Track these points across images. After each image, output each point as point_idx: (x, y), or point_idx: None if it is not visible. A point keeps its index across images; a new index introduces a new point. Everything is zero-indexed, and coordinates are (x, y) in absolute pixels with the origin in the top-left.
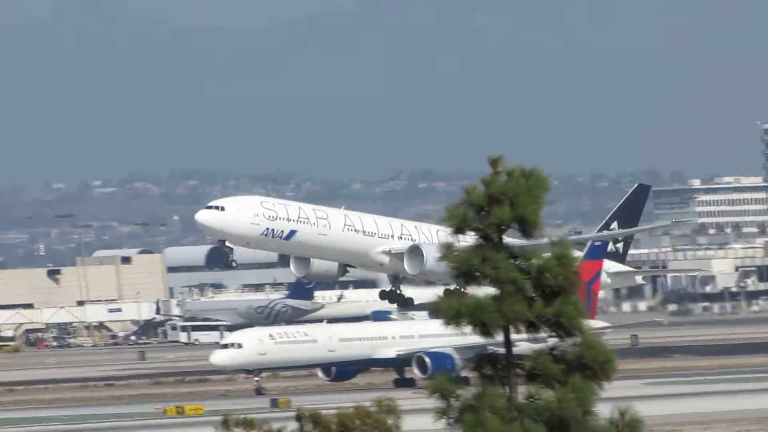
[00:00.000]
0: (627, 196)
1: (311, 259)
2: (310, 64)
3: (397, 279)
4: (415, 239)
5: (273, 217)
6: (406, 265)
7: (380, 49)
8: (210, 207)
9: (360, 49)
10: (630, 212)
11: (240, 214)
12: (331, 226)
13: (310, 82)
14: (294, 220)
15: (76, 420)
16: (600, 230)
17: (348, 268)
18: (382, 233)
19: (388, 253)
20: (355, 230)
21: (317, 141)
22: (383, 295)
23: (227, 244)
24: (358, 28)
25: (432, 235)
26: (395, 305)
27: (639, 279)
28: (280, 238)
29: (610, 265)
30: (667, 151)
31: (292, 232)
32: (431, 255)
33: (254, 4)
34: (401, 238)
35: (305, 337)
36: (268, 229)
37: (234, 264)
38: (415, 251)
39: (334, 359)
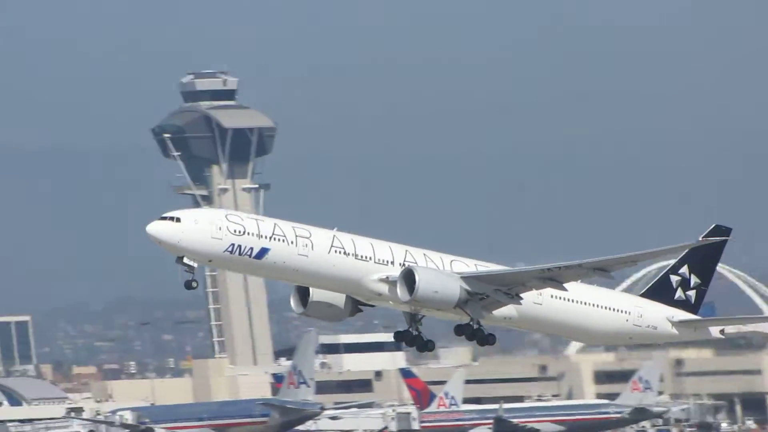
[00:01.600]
0: (703, 237)
1: (311, 290)
2: None
3: (414, 318)
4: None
5: (240, 231)
6: (398, 291)
7: None
8: (164, 218)
9: None
10: (706, 257)
11: (199, 226)
12: (314, 246)
13: None
14: (267, 237)
15: None
16: (667, 273)
17: (360, 307)
18: (379, 258)
19: (386, 281)
20: (345, 253)
21: None
22: (399, 336)
23: (185, 261)
24: None
25: (443, 266)
26: (414, 348)
27: (716, 332)
28: (249, 256)
29: (674, 314)
30: None
31: (264, 251)
32: (425, 279)
33: None
34: (403, 265)
35: None
36: (233, 245)
37: (194, 285)
38: (407, 276)
39: None
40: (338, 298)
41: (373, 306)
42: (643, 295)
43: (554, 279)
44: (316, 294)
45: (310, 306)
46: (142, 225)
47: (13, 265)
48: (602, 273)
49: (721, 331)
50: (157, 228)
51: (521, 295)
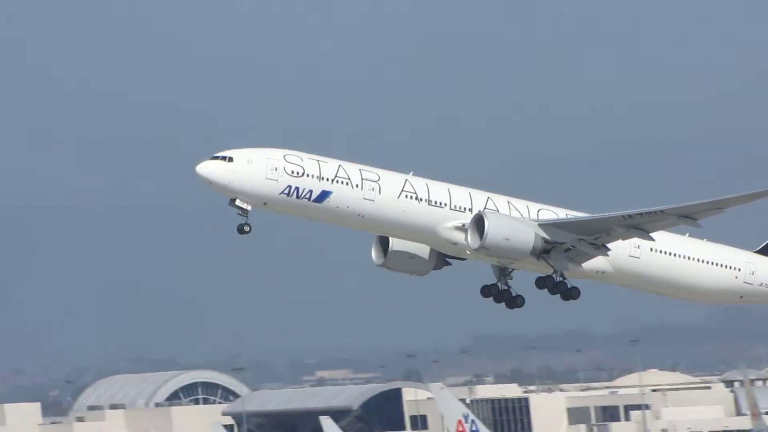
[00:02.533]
0: None
1: (390, 239)
2: None
3: (504, 272)
4: None
5: (298, 173)
6: (469, 238)
7: None
8: (216, 157)
9: None
10: None
11: (253, 166)
12: (382, 190)
13: None
14: (328, 180)
15: None
16: None
17: (449, 260)
18: (456, 205)
19: (461, 228)
20: (417, 198)
21: None
22: (486, 292)
23: (238, 203)
24: None
25: (529, 214)
26: (502, 304)
27: None
28: (308, 199)
29: None
30: None
31: (325, 194)
32: (495, 225)
33: None
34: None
35: None
36: (290, 187)
37: (247, 230)
38: (478, 222)
39: None
40: (421, 249)
41: (462, 259)
42: (760, 251)
43: (638, 227)
44: (396, 243)
45: (390, 255)
46: None
47: None
48: (688, 221)
49: None
50: (208, 168)
51: (608, 245)
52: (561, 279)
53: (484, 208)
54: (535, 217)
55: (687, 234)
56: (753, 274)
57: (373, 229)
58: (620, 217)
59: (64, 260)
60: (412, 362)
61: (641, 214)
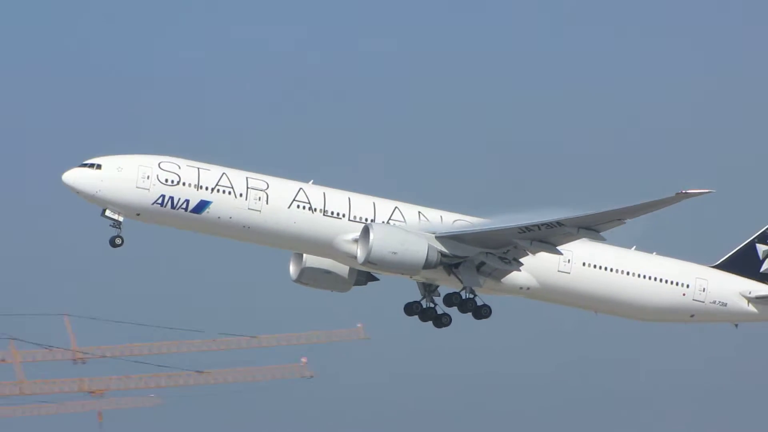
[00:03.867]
0: None
1: (304, 255)
2: None
3: (429, 288)
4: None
5: (173, 181)
6: (357, 251)
7: None
8: (85, 164)
9: None
10: None
11: (123, 174)
12: (270, 200)
13: None
14: (208, 188)
15: None
16: (753, 242)
17: (376, 275)
18: (356, 216)
19: (356, 241)
20: (311, 209)
21: None
22: (409, 310)
23: (108, 214)
24: None
25: (442, 224)
26: (430, 323)
27: None
28: (185, 210)
29: (753, 288)
30: None
31: (203, 204)
32: (381, 238)
33: None
34: (387, 223)
35: None
36: (163, 196)
37: (119, 242)
38: (364, 233)
39: None
40: (338, 265)
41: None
42: (719, 266)
43: (542, 240)
44: (310, 259)
45: (303, 272)
46: None
47: None
48: (590, 233)
49: None
50: (73, 176)
51: (521, 260)
52: (470, 296)
53: (389, 218)
54: (449, 228)
55: (634, 247)
56: (704, 290)
57: (261, 241)
58: (517, 229)
59: None
60: None
61: (538, 225)
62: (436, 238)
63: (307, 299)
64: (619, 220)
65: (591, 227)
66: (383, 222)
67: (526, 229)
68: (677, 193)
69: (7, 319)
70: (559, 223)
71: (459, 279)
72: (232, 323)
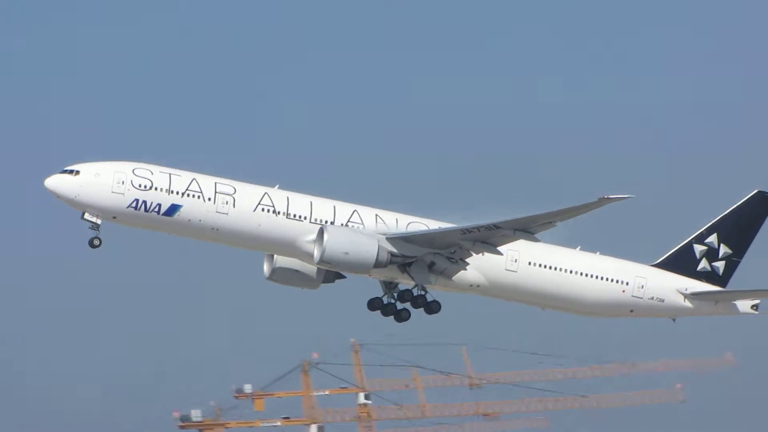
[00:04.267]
0: (739, 204)
1: (275, 255)
2: None
3: (389, 285)
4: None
5: (146, 186)
6: (314, 251)
7: None
8: (65, 170)
9: None
10: (742, 225)
11: (99, 180)
12: (237, 204)
13: None
14: (178, 193)
15: None
16: (690, 242)
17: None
18: (316, 218)
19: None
20: (274, 212)
21: None
22: (372, 305)
23: (86, 217)
24: None
25: (398, 227)
26: (392, 318)
27: (745, 307)
28: (157, 213)
29: (689, 285)
30: None
31: (174, 207)
32: (334, 239)
33: None
34: (347, 225)
35: None
36: (137, 201)
37: (97, 243)
38: (319, 235)
39: None
40: (307, 265)
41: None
42: (658, 265)
43: (483, 241)
44: (280, 260)
45: (274, 271)
46: None
47: None
48: (525, 234)
49: (754, 307)
50: (54, 181)
51: (467, 260)
52: (421, 293)
53: (348, 221)
54: (404, 230)
55: (579, 247)
56: (642, 287)
57: (230, 242)
58: (459, 231)
59: None
60: None
61: (478, 228)
62: (387, 239)
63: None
64: (550, 222)
65: (525, 229)
66: (341, 224)
67: (467, 231)
68: (599, 198)
69: (409, 349)
70: (496, 226)
71: (411, 277)
72: (607, 350)
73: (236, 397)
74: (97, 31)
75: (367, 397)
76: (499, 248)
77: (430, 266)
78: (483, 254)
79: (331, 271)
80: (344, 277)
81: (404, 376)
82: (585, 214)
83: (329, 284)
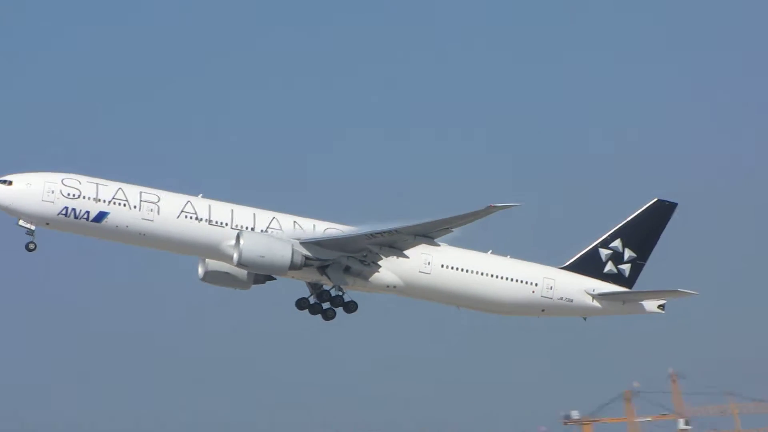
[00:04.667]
0: (640, 211)
1: (206, 260)
2: None
3: (315, 287)
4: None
5: (74, 195)
6: (233, 254)
7: None
8: (1, 181)
9: None
10: (644, 230)
11: (31, 189)
12: (161, 211)
13: None
14: (105, 201)
15: None
16: (596, 246)
17: (274, 276)
18: (237, 224)
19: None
20: (197, 218)
21: None
22: (299, 305)
23: (21, 223)
24: None
25: (314, 232)
26: (319, 317)
27: (652, 306)
28: (86, 219)
29: (596, 286)
30: None
31: (102, 214)
32: (250, 243)
33: None
34: (266, 231)
35: None
36: (66, 208)
37: (32, 247)
38: (237, 239)
39: None
40: (236, 269)
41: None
42: (567, 268)
43: (391, 246)
44: (211, 263)
45: (207, 274)
46: None
47: None
48: (425, 239)
49: (661, 306)
50: None
51: (378, 262)
52: (339, 293)
53: (267, 227)
54: (313, 235)
55: (490, 251)
56: (551, 288)
57: (157, 246)
58: (365, 236)
59: None
60: None
61: (381, 233)
62: (301, 243)
63: None
64: (446, 228)
65: (424, 234)
66: (260, 230)
67: (372, 235)
68: (488, 206)
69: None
70: (397, 231)
71: (329, 278)
72: None
73: (564, 423)
74: None
75: (686, 423)
76: (405, 252)
77: (346, 269)
78: (396, 258)
79: (261, 274)
80: (274, 278)
81: (720, 402)
82: (488, 220)
83: (260, 285)
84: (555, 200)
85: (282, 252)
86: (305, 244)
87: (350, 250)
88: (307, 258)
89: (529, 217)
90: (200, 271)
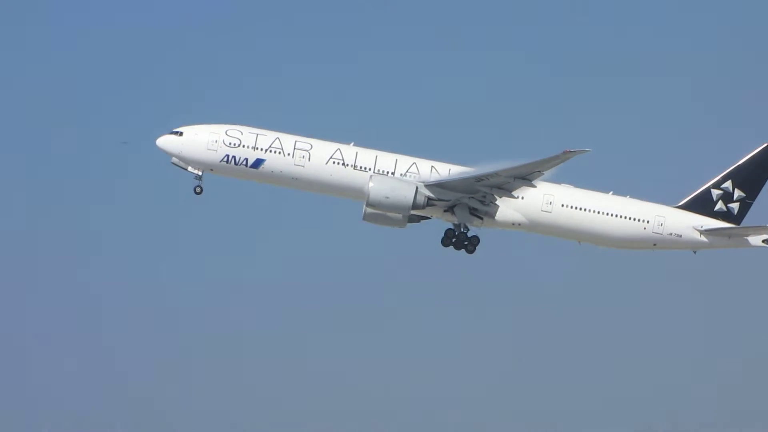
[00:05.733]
0: (752, 155)
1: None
2: None
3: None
4: (422, 178)
5: (235, 144)
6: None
7: None
8: (172, 132)
9: None
10: (754, 172)
11: (198, 138)
12: (312, 157)
13: None
14: (262, 149)
15: None
16: (708, 187)
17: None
18: (379, 169)
19: None
20: (344, 164)
21: None
22: (444, 242)
23: (189, 169)
24: None
25: (439, 175)
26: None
27: (757, 241)
28: (245, 165)
29: (704, 222)
30: None
31: (259, 161)
32: (376, 186)
33: None
34: (404, 175)
35: None
36: (227, 156)
37: (198, 191)
38: (368, 182)
39: None
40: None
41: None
42: (681, 206)
43: (498, 187)
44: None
45: (367, 215)
46: None
47: None
48: (524, 182)
49: (765, 241)
50: (162, 141)
51: (495, 203)
52: (464, 231)
53: (407, 171)
54: (442, 177)
55: (611, 192)
56: (662, 225)
57: (309, 188)
58: (474, 179)
59: None
60: None
61: (485, 176)
62: (426, 185)
63: None
64: (539, 171)
65: (522, 177)
66: (399, 174)
67: (478, 179)
68: (564, 152)
69: None
70: (496, 174)
71: (456, 217)
72: None
73: None
74: None
75: None
76: (513, 192)
77: (471, 209)
78: (509, 198)
79: (415, 214)
80: (429, 217)
81: None
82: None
83: (415, 224)
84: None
85: (405, 193)
86: (429, 186)
87: (466, 191)
88: (430, 198)
89: (653, 161)
90: (363, 211)
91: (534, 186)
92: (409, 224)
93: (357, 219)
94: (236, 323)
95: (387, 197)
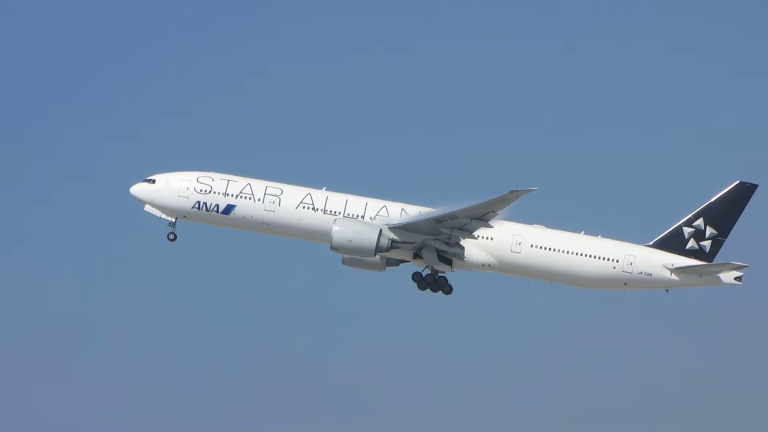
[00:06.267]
0: (723, 193)
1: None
2: None
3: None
4: (390, 221)
5: (206, 191)
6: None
7: None
8: (145, 180)
9: None
10: (726, 210)
11: (169, 186)
12: (282, 203)
13: None
14: (233, 195)
15: None
16: (680, 225)
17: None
18: (349, 213)
19: None
20: (313, 208)
21: None
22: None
23: (163, 216)
24: None
25: (402, 216)
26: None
27: (729, 278)
28: (216, 212)
29: (675, 261)
30: None
31: (230, 207)
32: (339, 229)
33: None
34: (374, 218)
35: None
36: (199, 202)
37: (171, 237)
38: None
39: None
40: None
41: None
42: (653, 245)
43: (459, 228)
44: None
45: (345, 259)
46: None
47: None
48: (481, 222)
49: (737, 278)
50: (135, 189)
51: (462, 244)
52: (430, 273)
53: (376, 215)
54: (404, 219)
55: (583, 232)
56: (631, 264)
57: (278, 233)
58: (433, 220)
59: None
60: None
61: (441, 218)
62: (390, 228)
63: None
64: (492, 212)
65: (479, 218)
66: (369, 218)
67: (439, 220)
68: (510, 191)
69: None
70: (454, 215)
71: (424, 260)
72: None
73: None
74: None
75: None
76: (473, 234)
77: (437, 251)
78: (472, 239)
79: (390, 257)
80: (407, 261)
81: None
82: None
83: (394, 267)
84: (647, 185)
85: (368, 235)
86: (393, 228)
87: (430, 233)
88: (394, 241)
89: (622, 200)
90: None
91: (491, 226)
92: (388, 268)
93: (337, 263)
94: (211, 371)
95: (350, 240)
